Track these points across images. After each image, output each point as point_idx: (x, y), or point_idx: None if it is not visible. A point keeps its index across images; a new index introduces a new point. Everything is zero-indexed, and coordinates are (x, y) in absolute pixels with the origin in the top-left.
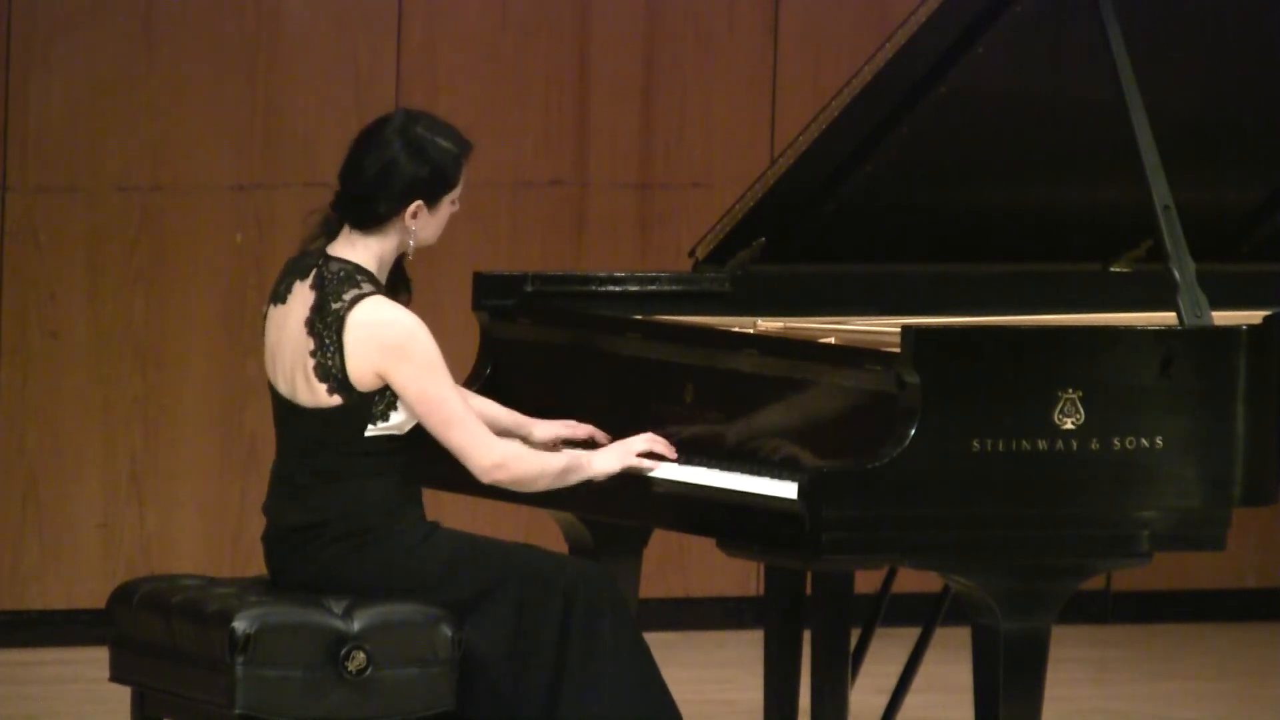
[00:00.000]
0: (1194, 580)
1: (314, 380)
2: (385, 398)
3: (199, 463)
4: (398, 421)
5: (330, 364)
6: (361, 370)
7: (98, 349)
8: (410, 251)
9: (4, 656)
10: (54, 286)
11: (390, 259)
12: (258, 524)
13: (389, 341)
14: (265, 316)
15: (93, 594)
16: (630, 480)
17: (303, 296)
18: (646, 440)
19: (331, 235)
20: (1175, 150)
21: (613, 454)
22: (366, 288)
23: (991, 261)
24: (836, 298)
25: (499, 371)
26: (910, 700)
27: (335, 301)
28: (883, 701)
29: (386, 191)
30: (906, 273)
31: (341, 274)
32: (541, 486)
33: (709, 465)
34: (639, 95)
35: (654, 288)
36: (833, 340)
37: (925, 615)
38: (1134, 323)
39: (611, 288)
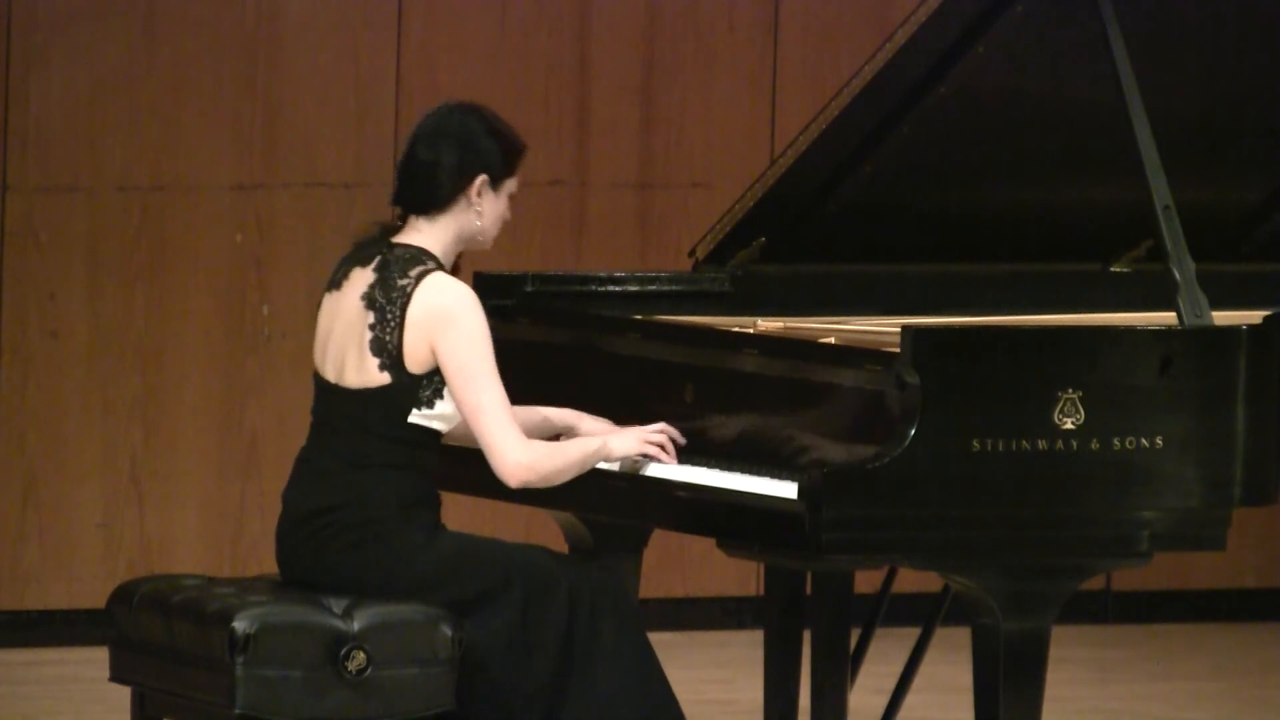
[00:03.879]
0: (1194, 580)
1: (367, 355)
2: (433, 383)
3: (199, 463)
4: (442, 411)
5: (388, 339)
6: (417, 344)
7: (98, 349)
8: (478, 240)
9: (4, 656)
10: (54, 286)
11: (454, 248)
12: (258, 524)
13: (444, 308)
14: (319, 305)
15: (93, 594)
16: (630, 480)
17: (362, 279)
18: (660, 429)
19: (393, 231)
20: (1175, 150)
21: (630, 437)
22: (432, 264)
23: (991, 261)
24: (836, 298)
25: (499, 371)
26: (910, 700)
27: (402, 278)
28: (883, 701)
29: (449, 167)
30: (906, 273)
31: (407, 255)
32: (565, 479)
33: (709, 465)
34: (639, 95)
35: (654, 288)
36: (833, 340)
37: (925, 615)
38: (1134, 323)
39: (611, 288)
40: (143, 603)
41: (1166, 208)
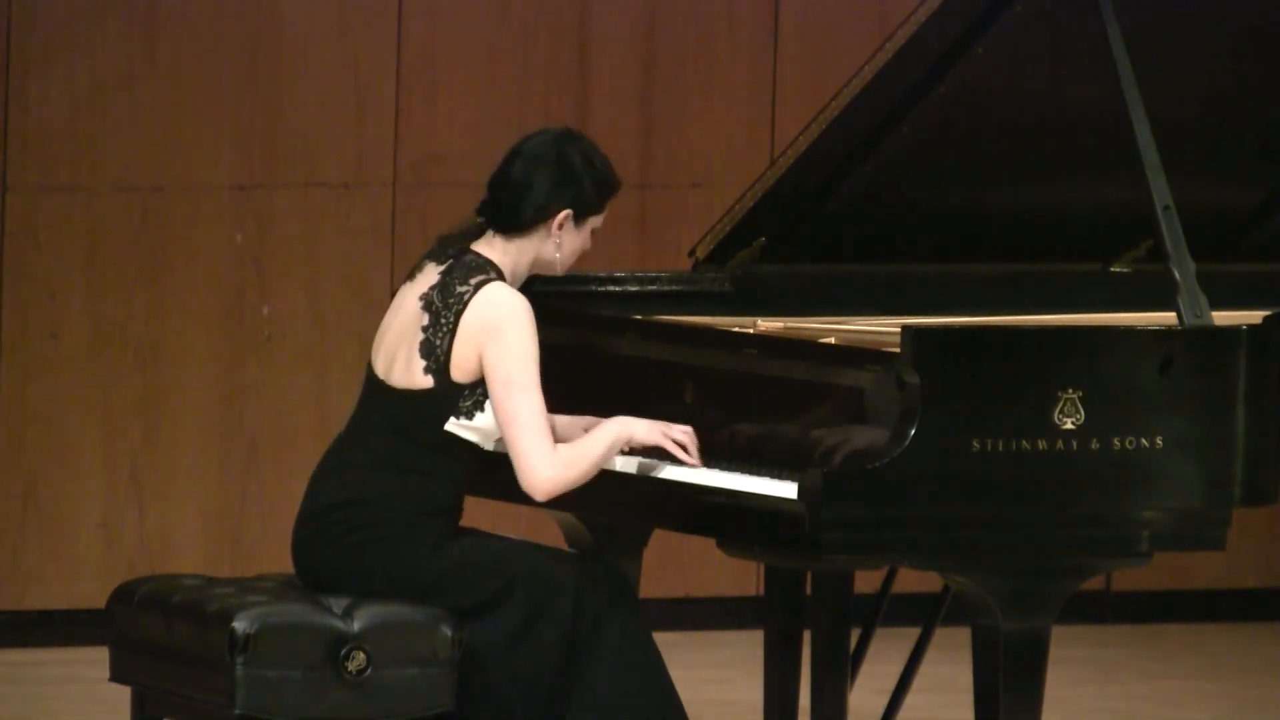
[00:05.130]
0: (1194, 580)
1: (415, 356)
2: (475, 394)
3: (199, 463)
4: (480, 424)
5: (438, 343)
6: (465, 352)
7: (98, 349)
8: (550, 267)
9: (4, 656)
10: (54, 286)
11: (524, 271)
12: (258, 524)
13: (496, 318)
14: (395, 293)
15: (93, 594)
16: (630, 480)
17: (429, 276)
18: (685, 431)
19: (473, 237)
20: (1175, 150)
21: (654, 428)
22: (494, 275)
23: (991, 261)
24: (836, 298)
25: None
26: (910, 700)
27: (461, 285)
28: (883, 701)
29: (537, 194)
30: (906, 273)
31: (474, 264)
32: (592, 476)
33: (709, 465)
34: (639, 95)
35: (654, 288)
36: (833, 340)
37: (925, 615)
38: (1134, 323)
39: (611, 288)
40: (143, 603)
41: (1166, 208)
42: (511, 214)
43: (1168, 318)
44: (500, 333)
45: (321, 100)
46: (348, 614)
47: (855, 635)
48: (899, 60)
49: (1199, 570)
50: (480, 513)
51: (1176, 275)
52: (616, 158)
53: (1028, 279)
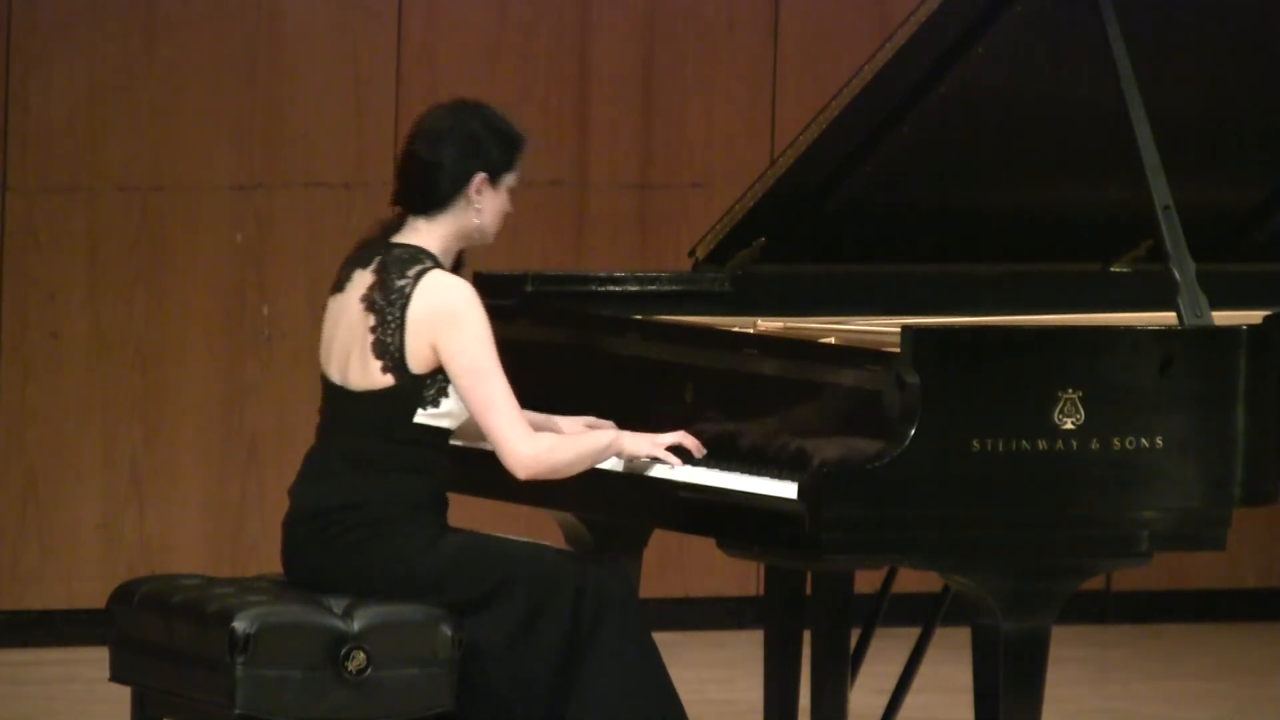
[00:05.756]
0: (1194, 580)
1: (370, 359)
2: (437, 382)
3: (199, 463)
4: (448, 409)
5: (389, 340)
6: (419, 344)
7: (98, 349)
8: (478, 236)
9: (4, 656)
10: (54, 286)
11: (454, 246)
12: (258, 524)
13: (446, 307)
14: (324, 308)
15: (93, 594)
16: (630, 480)
17: (362, 281)
18: (677, 437)
19: (393, 230)
20: (1175, 150)
21: (643, 439)
22: (430, 263)
23: (991, 261)
24: (836, 298)
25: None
26: (910, 700)
27: (400, 279)
28: (883, 701)
29: (447, 166)
30: (906, 273)
31: (405, 256)
32: (574, 471)
33: (708, 465)
34: (639, 95)
35: (654, 288)
36: (833, 340)
37: (925, 615)
38: (1134, 323)
39: (611, 288)
40: (143, 603)
41: (1166, 208)
42: (427, 192)
43: (1168, 318)
44: (454, 322)
45: (321, 100)
46: (347, 614)
47: (855, 635)
48: (899, 60)
49: (1199, 570)
50: (481, 513)
51: (1176, 275)
52: (616, 158)
53: (1028, 279)
